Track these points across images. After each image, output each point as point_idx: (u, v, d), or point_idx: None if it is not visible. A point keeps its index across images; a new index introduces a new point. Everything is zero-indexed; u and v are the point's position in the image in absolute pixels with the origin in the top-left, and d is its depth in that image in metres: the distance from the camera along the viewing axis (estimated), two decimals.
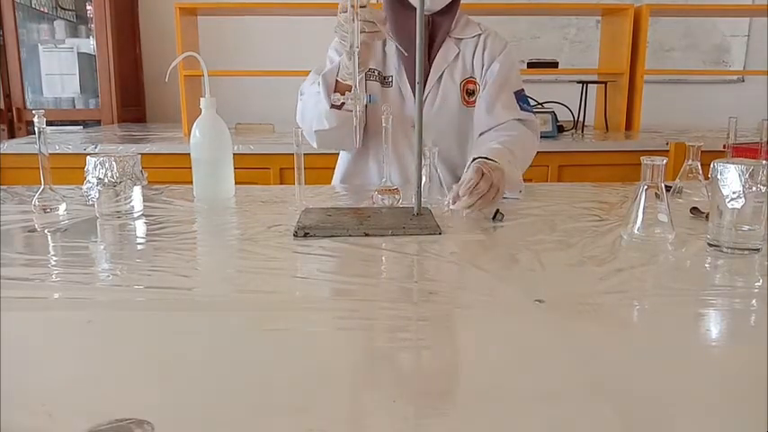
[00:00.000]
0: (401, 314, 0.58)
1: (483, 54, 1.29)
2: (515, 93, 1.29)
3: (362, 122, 1.04)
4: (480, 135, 1.26)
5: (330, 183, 1.41)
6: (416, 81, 0.90)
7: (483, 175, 0.97)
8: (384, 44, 1.29)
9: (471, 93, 1.29)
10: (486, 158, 1.05)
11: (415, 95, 1.22)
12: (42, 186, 0.98)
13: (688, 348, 0.52)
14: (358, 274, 0.71)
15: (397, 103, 1.26)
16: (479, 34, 1.30)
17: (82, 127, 2.66)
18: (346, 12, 1.00)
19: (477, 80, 1.29)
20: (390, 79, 1.28)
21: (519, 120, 1.26)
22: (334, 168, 1.42)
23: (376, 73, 1.27)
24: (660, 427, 0.39)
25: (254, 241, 0.83)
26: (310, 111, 1.22)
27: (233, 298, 0.63)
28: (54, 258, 0.76)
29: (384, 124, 1.03)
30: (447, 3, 1.24)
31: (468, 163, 1.07)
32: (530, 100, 1.34)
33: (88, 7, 2.88)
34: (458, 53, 1.28)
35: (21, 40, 2.78)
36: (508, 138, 1.19)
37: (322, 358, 0.49)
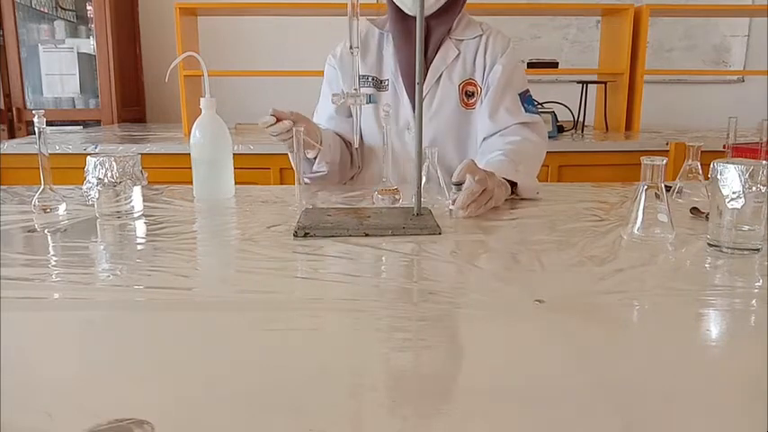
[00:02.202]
0: (401, 314, 0.58)
1: (485, 55, 1.27)
2: (520, 94, 1.27)
3: (359, 130, 1.06)
4: (484, 140, 1.26)
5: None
6: (416, 82, 0.90)
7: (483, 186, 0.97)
8: (381, 48, 1.30)
9: (471, 95, 1.27)
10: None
11: (414, 98, 1.23)
12: (42, 186, 0.98)
13: (688, 348, 0.52)
14: (358, 274, 0.71)
15: (393, 105, 1.27)
16: (480, 35, 1.29)
17: (82, 127, 2.66)
18: (272, 125, 1.08)
19: (478, 82, 1.28)
20: (386, 83, 1.28)
21: (523, 123, 1.24)
22: None
23: (370, 79, 1.28)
24: (660, 427, 0.39)
25: (254, 241, 0.83)
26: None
27: (233, 298, 0.63)
28: (54, 258, 0.76)
29: (384, 124, 1.03)
30: (439, 6, 1.23)
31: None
32: (535, 101, 1.34)
33: (88, 7, 2.88)
34: (458, 54, 1.27)
35: (21, 40, 2.78)
36: (511, 147, 1.18)
37: (322, 358, 0.49)
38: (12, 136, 2.79)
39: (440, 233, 0.85)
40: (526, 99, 1.28)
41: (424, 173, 0.99)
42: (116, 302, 0.61)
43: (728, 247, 0.76)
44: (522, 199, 1.09)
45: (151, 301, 0.61)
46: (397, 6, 1.24)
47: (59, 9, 3.00)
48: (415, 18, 1.19)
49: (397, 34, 1.26)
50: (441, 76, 1.27)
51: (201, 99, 1.08)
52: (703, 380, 0.46)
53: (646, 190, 0.80)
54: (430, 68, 1.26)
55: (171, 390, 0.44)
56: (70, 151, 2.00)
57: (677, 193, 1.09)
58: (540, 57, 2.61)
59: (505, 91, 1.25)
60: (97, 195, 0.93)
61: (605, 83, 2.55)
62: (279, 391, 0.43)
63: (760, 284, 0.66)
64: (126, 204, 0.95)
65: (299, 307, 0.61)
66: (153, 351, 0.51)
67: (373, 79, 1.29)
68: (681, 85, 3.10)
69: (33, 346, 0.51)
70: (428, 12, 1.22)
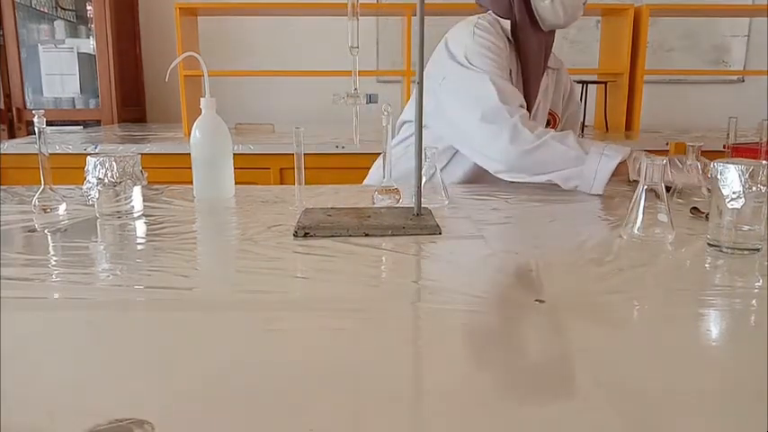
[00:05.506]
0: (401, 314, 0.58)
1: (564, 88, 1.37)
2: None
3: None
4: None
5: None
6: (417, 81, 0.90)
7: None
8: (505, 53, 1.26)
9: (548, 123, 1.35)
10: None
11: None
12: (42, 186, 0.98)
13: (688, 348, 0.52)
14: (358, 273, 0.71)
15: None
16: (560, 68, 1.37)
17: (82, 127, 2.66)
18: None
19: (556, 112, 1.36)
20: None
21: None
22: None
23: None
24: (660, 427, 0.39)
25: (254, 241, 0.83)
26: (558, 162, 1.12)
27: (233, 298, 0.63)
28: (54, 258, 0.76)
29: (384, 124, 1.03)
30: (575, 20, 1.23)
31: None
32: None
33: (88, 7, 2.88)
34: (547, 84, 1.33)
35: (21, 40, 2.78)
36: None
37: (322, 358, 0.49)
38: (12, 136, 2.79)
39: (440, 233, 0.85)
40: None
41: (425, 173, 0.99)
42: (116, 302, 0.61)
43: (728, 247, 0.76)
44: (529, 199, 1.09)
45: (151, 301, 0.61)
46: (528, 19, 1.22)
47: (59, 9, 3.00)
48: (544, 33, 1.24)
49: (526, 49, 1.24)
50: (539, 102, 1.31)
51: (201, 99, 1.08)
52: (703, 380, 0.46)
53: (646, 190, 0.80)
54: (539, 91, 1.30)
55: (171, 390, 0.44)
56: (70, 151, 2.00)
57: (677, 193, 1.09)
58: None
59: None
60: (97, 195, 0.93)
61: (605, 83, 2.55)
62: (279, 391, 0.43)
63: (760, 284, 0.66)
64: (126, 204, 0.95)
65: (299, 307, 0.61)
66: (153, 351, 0.51)
67: None
68: (681, 85, 3.10)
69: (33, 346, 0.51)
70: (567, 25, 1.23)
